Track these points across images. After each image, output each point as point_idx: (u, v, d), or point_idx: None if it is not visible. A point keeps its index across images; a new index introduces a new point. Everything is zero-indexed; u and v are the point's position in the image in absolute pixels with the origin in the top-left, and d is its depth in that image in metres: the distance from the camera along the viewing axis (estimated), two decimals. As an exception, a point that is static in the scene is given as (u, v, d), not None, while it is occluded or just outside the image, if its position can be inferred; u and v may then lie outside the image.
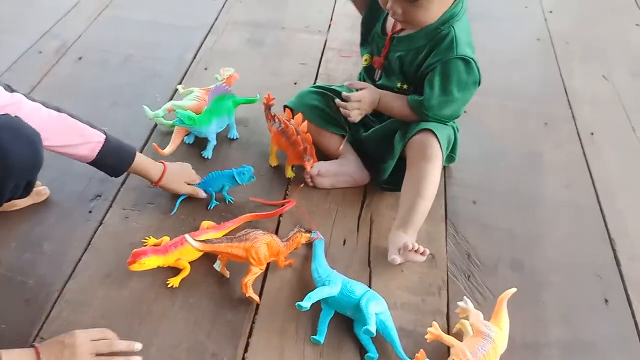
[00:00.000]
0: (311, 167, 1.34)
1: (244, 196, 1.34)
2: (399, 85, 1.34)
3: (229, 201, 1.33)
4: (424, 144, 1.27)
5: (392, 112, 1.35)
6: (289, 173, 1.41)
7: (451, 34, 1.23)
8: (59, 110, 1.12)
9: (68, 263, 1.19)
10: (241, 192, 1.34)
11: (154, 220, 1.29)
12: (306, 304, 1.04)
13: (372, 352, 1.04)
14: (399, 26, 1.30)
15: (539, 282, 1.21)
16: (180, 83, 1.70)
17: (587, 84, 1.85)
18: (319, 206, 1.35)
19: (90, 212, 1.30)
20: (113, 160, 1.18)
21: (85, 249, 1.21)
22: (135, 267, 1.10)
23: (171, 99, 1.63)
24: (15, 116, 1.01)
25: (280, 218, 1.31)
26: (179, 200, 1.31)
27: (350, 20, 2.03)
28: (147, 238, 1.23)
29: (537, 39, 2.08)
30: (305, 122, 1.35)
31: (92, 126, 1.16)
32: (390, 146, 1.35)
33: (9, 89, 1.07)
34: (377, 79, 1.38)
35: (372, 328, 1.00)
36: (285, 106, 1.44)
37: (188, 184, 1.31)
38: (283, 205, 1.31)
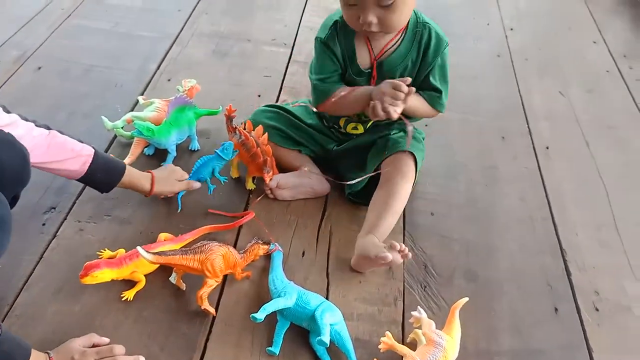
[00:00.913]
0: (271, 179, 1.35)
1: (203, 208, 1.34)
2: None
3: (224, 181, 1.38)
4: (401, 162, 1.30)
5: (414, 109, 1.32)
6: (249, 185, 1.41)
7: (432, 30, 1.27)
8: (48, 128, 1.13)
9: (19, 277, 1.16)
10: (200, 203, 1.34)
11: (110, 232, 1.27)
12: (260, 315, 1.03)
13: None
14: (378, 51, 1.28)
15: (492, 292, 1.23)
16: (142, 94, 1.69)
17: (544, 99, 1.90)
18: (279, 218, 1.35)
19: (44, 224, 1.27)
20: (103, 174, 1.18)
21: (38, 262, 1.19)
22: (88, 281, 1.08)
23: (132, 110, 1.62)
24: (8, 132, 1.02)
25: (240, 230, 1.31)
26: (179, 197, 1.33)
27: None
28: (102, 251, 1.21)
29: (497, 55, 2.14)
30: (266, 134, 1.36)
31: (80, 142, 1.16)
32: (362, 161, 1.37)
33: (6, 110, 1.08)
34: None
35: (326, 338, 1.01)
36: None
37: (180, 181, 1.32)
38: (242, 217, 1.31)
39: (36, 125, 1.11)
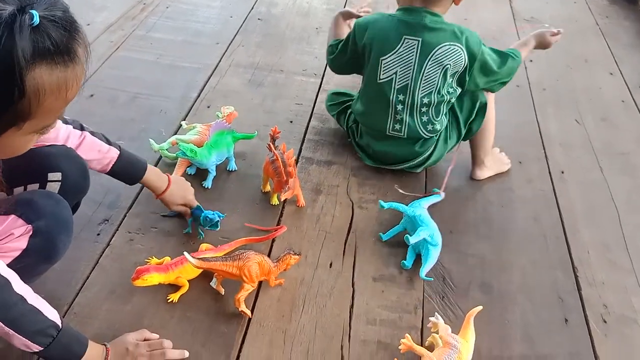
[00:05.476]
0: (287, 197, 1.47)
1: (240, 222, 1.47)
2: None
3: (200, 236, 1.42)
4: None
5: None
6: (274, 200, 1.54)
7: None
8: (82, 127, 1.26)
9: (77, 280, 1.30)
10: (236, 218, 1.47)
11: (157, 242, 1.40)
12: (385, 204, 1.43)
13: (408, 261, 1.38)
14: None
15: (505, 303, 1.32)
16: (184, 119, 1.85)
17: (560, 127, 2.00)
18: (309, 232, 1.47)
19: (98, 234, 1.42)
20: (125, 173, 1.33)
21: (93, 268, 1.33)
22: (139, 283, 1.21)
23: (175, 134, 1.77)
24: (70, 147, 1.18)
25: (273, 242, 1.43)
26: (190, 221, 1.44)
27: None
28: (149, 258, 1.34)
29: (516, 86, 2.24)
30: (294, 157, 1.49)
31: (109, 142, 1.30)
32: None
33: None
34: None
35: (412, 239, 1.33)
36: None
37: (184, 205, 1.43)
38: (275, 230, 1.43)
39: (73, 127, 1.23)
